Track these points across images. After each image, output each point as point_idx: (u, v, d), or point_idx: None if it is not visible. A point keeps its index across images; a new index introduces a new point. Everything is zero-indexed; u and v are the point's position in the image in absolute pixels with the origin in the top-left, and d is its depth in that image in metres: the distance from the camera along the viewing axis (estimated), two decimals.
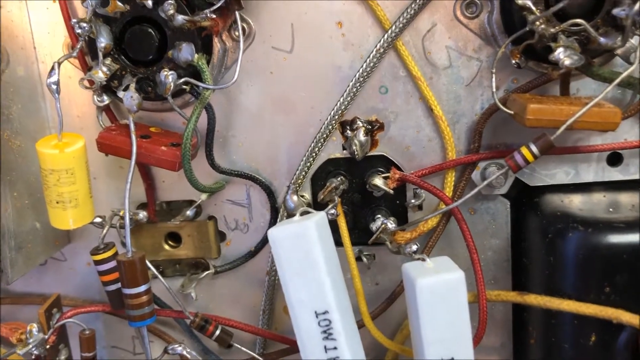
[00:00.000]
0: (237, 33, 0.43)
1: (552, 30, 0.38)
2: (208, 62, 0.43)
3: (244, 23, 0.43)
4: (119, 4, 0.40)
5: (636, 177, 0.44)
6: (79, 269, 0.51)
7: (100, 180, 0.48)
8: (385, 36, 0.43)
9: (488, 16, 0.42)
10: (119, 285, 0.42)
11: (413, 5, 0.42)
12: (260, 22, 0.44)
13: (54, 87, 0.39)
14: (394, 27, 0.42)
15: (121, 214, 0.45)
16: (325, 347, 0.38)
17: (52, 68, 0.39)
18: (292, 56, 0.44)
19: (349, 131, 0.45)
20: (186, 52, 0.40)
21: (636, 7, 0.35)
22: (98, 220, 0.44)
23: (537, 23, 0.38)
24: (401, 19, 0.42)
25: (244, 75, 0.44)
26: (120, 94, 0.42)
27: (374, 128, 0.45)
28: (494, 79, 0.40)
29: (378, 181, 0.44)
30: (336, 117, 0.44)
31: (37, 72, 0.47)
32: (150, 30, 0.42)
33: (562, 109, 0.38)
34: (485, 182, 0.41)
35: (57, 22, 0.45)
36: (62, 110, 0.41)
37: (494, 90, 0.40)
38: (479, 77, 0.43)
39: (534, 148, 0.38)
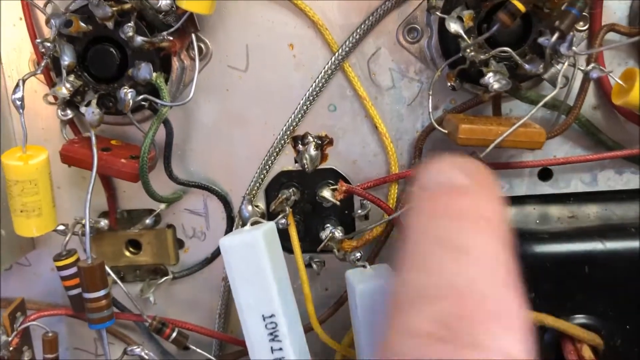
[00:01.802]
0: (193, 53, 0.46)
1: (483, 56, 0.41)
2: (167, 80, 0.45)
3: (201, 43, 0.46)
4: (82, 24, 0.43)
5: (565, 191, 0.48)
6: (43, 274, 0.53)
7: (63, 189, 0.50)
8: (333, 58, 0.46)
9: (428, 41, 0.45)
10: (80, 289, 0.45)
11: (358, 30, 0.45)
12: (217, 43, 0.47)
13: (19, 102, 0.42)
14: (340, 50, 0.45)
15: (83, 222, 0.47)
16: (271, 348, 0.41)
17: (17, 85, 0.42)
18: (246, 75, 0.47)
19: (300, 146, 0.48)
20: (145, 71, 0.43)
21: (554, 37, 0.39)
22: (61, 227, 0.46)
23: (469, 50, 0.41)
24: (347, 42, 0.45)
25: (201, 92, 0.47)
26: (83, 109, 0.44)
27: (324, 143, 0.48)
28: (430, 101, 0.44)
29: (326, 193, 0.47)
30: (288, 132, 0.47)
31: (3, 87, 0.49)
32: (111, 49, 0.44)
33: (492, 129, 0.41)
34: None
35: (23, 38, 0.47)
36: (27, 122, 0.43)
37: (430, 110, 0.44)
38: (420, 97, 0.47)
39: None
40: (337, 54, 0.46)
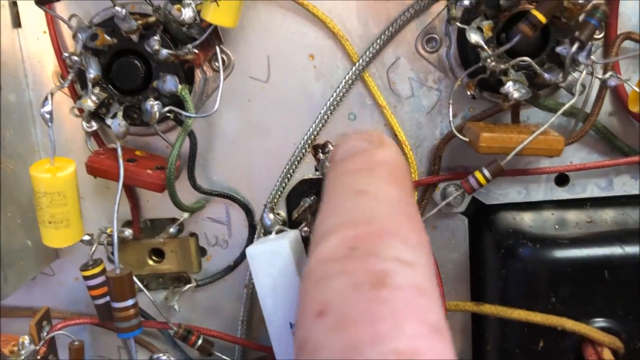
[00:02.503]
0: (217, 64, 0.47)
1: (502, 66, 0.42)
2: (190, 91, 0.46)
3: (223, 55, 0.47)
4: (107, 38, 0.44)
5: (582, 196, 0.49)
6: (67, 283, 0.53)
7: (87, 199, 0.51)
8: (354, 69, 0.46)
9: (446, 51, 0.46)
10: (107, 298, 0.45)
11: (378, 41, 0.46)
12: (238, 54, 0.47)
13: (48, 116, 0.42)
14: (361, 61, 0.46)
15: (108, 231, 0.48)
16: None
17: (46, 98, 0.43)
18: (268, 85, 0.48)
19: (320, 154, 0.49)
20: (170, 83, 0.44)
21: (574, 48, 0.40)
22: (87, 238, 0.47)
23: (489, 60, 0.42)
24: (368, 53, 0.46)
25: (224, 103, 0.48)
26: (109, 121, 0.45)
27: None
28: (450, 109, 0.44)
29: None
30: (309, 141, 0.48)
31: (27, 99, 0.49)
32: (136, 61, 0.45)
33: (512, 137, 0.42)
34: (444, 202, 0.45)
35: (47, 51, 0.48)
36: (47, 134, 0.44)
37: (451, 119, 0.45)
38: (439, 105, 0.48)
39: (486, 172, 0.42)
40: (357, 64, 0.46)
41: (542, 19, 0.38)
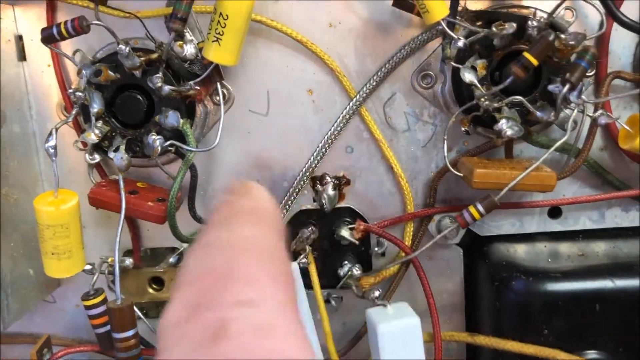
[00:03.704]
0: (217, 98, 0.48)
1: (496, 105, 0.43)
2: (191, 125, 0.47)
3: (224, 89, 0.48)
4: (111, 73, 0.45)
5: (574, 228, 0.50)
6: (68, 310, 0.54)
7: (89, 228, 0.52)
8: (351, 104, 0.48)
9: (441, 87, 0.47)
10: (107, 327, 0.46)
11: (375, 77, 0.47)
12: (239, 88, 0.49)
13: (52, 150, 0.43)
14: (358, 96, 0.47)
15: (109, 261, 0.49)
16: None
17: (50, 133, 0.44)
18: (267, 118, 0.49)
19: (319, 186, 0.50)
20: (172, 119, 0.45)
21: (565, 89, 0.41)
22: (88, 267, 0.48)
23: (483, 99, 0.43)
24: (365, 89, 0.47)
25: (224, 135, 0.49)
26: (111, 154, 0.46)
27: (342, 183, 0.50)
28: (445, 145, 0.46)
29: (345, 232, 0.49)
30: (307, 173, 0.49)
31: (31, 130, 0.51)
32: (138, 96, 0.46)
33: (505, 173, 0.43)
34: (440, 235, 0.46)
35: (51, 84, 0.49)
36: (49, 164, 0.45)
37: (445, 154, 0.46)
38: (434, 139, 0.49)
39: (480, 208, 0.43)
40: (355, 100, 0.47)
41: (534, 61, 0.40)
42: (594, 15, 0.45)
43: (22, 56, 0.49)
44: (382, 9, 0.47)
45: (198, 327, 0.20)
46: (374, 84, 0.47)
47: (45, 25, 0.48)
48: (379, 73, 0.47)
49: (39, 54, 0.49)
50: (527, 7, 0.46)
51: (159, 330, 0.22)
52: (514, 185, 0.43)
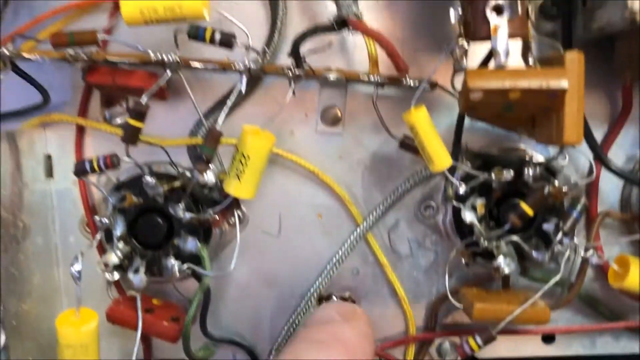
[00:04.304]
0: (232, 220, 0.51)
1: (494, 243, 0.46)
2: (207, 247, 0.50)
3: (239, 212, 0.51)
4: (134, 199, 0.48)
5: (567, 354, 0.52)
6: None
7: (103, 337, 0.53)
8: (359, 230, 0.51)
9: (443, 217, 0.51)
10: None
11: (381, 207, 0.50)
12: (253, 210, 0.52)
13: (77, 275, 0.46)
14: (365, 224, 0.51)
15: None
16: None
17: (76, 258, 0.46)
18: (278, 239, 0.52)
19: None
20: (191, 245, 0.48)
21: (559, 236, 0.44)
22: None
23: (482, 239, 0.46)
24: (371, 217, 0.50)
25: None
26: (131, 275, 0.48)
27: None
28: (447, 278, 0.48)
29: None
30: (315, 293, 0.52)
31: (54, 243, 0.53)
32: (159, 219, 0.49)
33: (502, 308, 0.46)
34: None
35: (74, 200, 0.52)
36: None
37: (447, 286, 0.48)
38: (435, 265, 0.52)
39: (479, 340, 0.46)
40: (362, 227, 0.51)
41: (530, 212, 0.43)
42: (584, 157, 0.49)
43: (49, 173, 0.53)
44: (389, 144, 0.50)
45: None
46: (380, 212, 0.50)
47: (72, 146, 0.52)
48: (384, 203, 0.50)
49: (66, 172, 0.52)
50: (522, 149, 0.49)
51: None
52: (511, 319, 0.45)
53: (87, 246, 0.50)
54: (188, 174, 0.49)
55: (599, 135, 0.50)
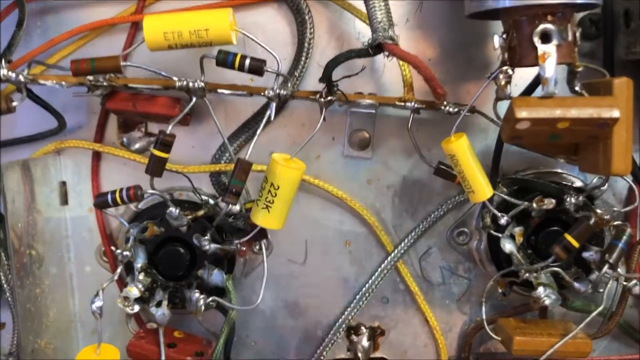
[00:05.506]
0: (257, 247, 0.49)
1: (534, 274, 0.44)
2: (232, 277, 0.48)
3: (264, 240, 0.49)
4: (156, 228, 0.46)
5: None
6: None
7: None
8: (389, 258, 0.49)
9: (477, 244, 0.49)
10: None
11: (412, 234, 0.48)
12: (278, 238, 0.50)
13: (98, 311, 0.44)
14: (396, 252, 0.49)
15: None
16: None
17: (97, 294, 0.44)
18: (304, 267, 0.50)
19: (353, 336, 0.50)
20: (217, 278, 0.46)
21: (604, 269, 0.42)
22: None
23: (522, 271, 0.44)
24: (403, 245, 0.49)
25: (261, 282, 0.50)
26: (153, 309, 0.46)
27: (376, 333, 0.51)
28: (483, 309, 0.46)
29: None
30: (343, 325, 0.50)
31: (68, 272, 0.51)
32: (181, 250, 0.47)
33: (543, 341, 0.44)
34: None
35: (90, 228, 0.50)
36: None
37: (484, 317, 0.46)
38: (469, 293, 0.50)
39: None
40: (392, 255, 0.49)
41: (575, 244, 0.41)
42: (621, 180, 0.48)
43: (64, 201, 0.50)
44: (419, 168, 0.48)
45: None
46: (412, 240, 0.48)
47: (88, 172, 0.49)
48: (417, 230, 0.48)
49: (81, 199, 0.50)
50: (559, 173, 0.48)
51: None
52: (551, 353, 0.44)
53: (106, 280, 0.48)
54: (212, 201, 0.47)
55: (637, 156, 0.48)
